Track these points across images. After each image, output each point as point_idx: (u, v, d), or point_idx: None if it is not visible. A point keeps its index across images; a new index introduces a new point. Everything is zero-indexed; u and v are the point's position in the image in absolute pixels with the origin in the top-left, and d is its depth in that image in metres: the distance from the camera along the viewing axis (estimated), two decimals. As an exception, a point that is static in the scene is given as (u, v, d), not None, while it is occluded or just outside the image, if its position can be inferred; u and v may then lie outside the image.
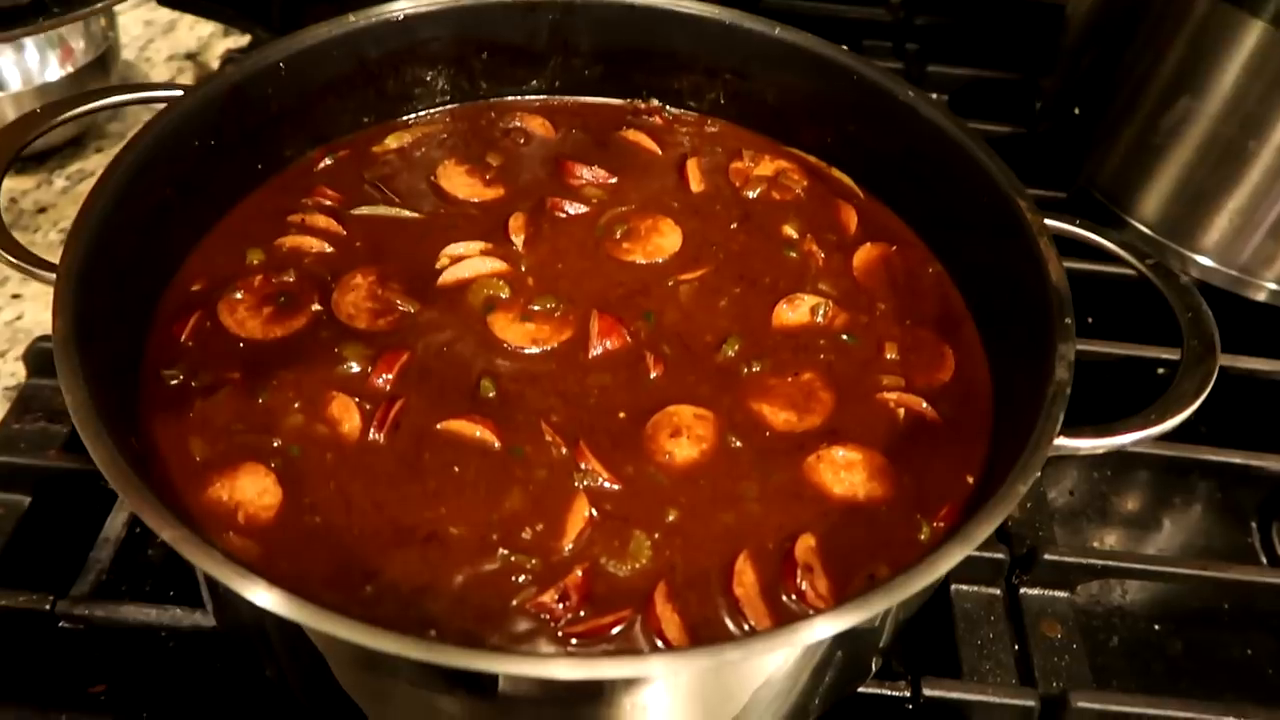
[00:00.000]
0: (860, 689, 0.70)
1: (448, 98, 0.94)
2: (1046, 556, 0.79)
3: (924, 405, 0.73)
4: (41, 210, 1.11)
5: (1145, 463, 0.94)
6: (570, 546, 0.64)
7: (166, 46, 1.32)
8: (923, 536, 0.66)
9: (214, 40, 1.33)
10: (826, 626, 0.52)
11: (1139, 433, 0.62)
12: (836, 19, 1.36)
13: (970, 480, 0.68)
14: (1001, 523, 0.82)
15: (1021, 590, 0.80)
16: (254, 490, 0.65)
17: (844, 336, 0.78)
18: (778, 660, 0.57)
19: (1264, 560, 0.91)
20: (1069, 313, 0.65)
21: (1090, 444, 0.61)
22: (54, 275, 0.65)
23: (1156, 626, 0.85)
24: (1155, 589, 0.87)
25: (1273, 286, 1.02)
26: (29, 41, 1.18)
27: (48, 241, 1.08)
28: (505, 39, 0.92)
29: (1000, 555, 0.79)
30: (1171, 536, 0.94)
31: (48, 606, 0.71)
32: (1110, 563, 0.80)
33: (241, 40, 1.29)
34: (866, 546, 0.65)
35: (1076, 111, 1.10)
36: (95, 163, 1.16)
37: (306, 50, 0.84)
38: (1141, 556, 0.86)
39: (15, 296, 1.01)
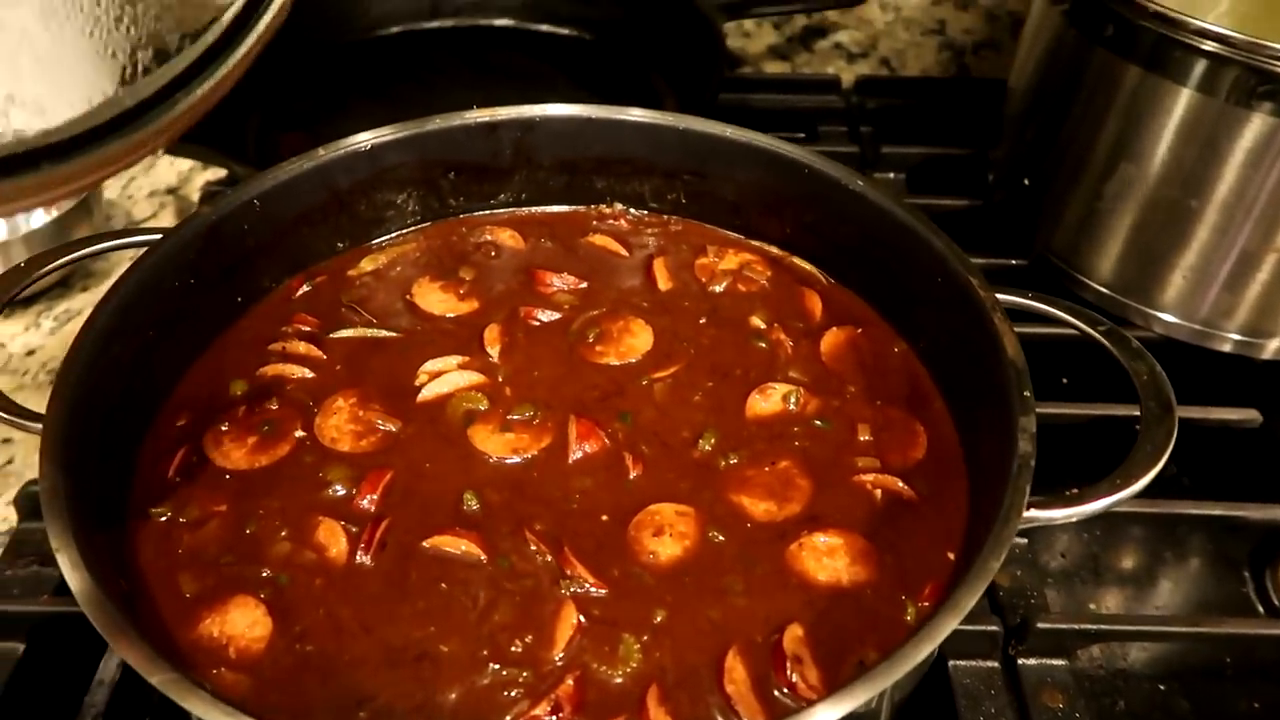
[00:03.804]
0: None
1: (419, 217, 0.98)
2: (1040, 625, 0.79)
3: (900, 484, 0.75)
4: (30, 353, 1.13)
5: (1133, 519, 0.95)
6: (561, 655, 0.64)
7: (148, 183, 1.36)
8: (908, 617, 0.66)
9: (194, 174, 1.38)
10: (824, 716, 0.52)
11: (1107, 499, 0.63)
12: (791, 110, 1.41)
13: (951, 556, 0.69)
14: (991, 594, 0.84)
15: (1019, 661, 0.80)
16: (244, 623, 0.65)
17: (817, 422, 0.80)
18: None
19: (1260, 610, 0.91)
20: (1027, 386, 0.67)
21: (1062, 514, 0.62)
22: (40, 425, 0.66)
23: (1161, 686, 0.85)
24: (1157, 648, 0.86)
25: (1236, 337, 1.04)
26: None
27: (37, 383, 1.10)
28: (470, 159, 0.96)
29: (994, 627, 0.79)
30: (1167, 592, 0.94)
31: (43, 757, 0.71)
32: (1105, 626, 0.80)
33: (221, 172, 1.33)
34: (854, 631, 0.66)
35: (1026, 182, 1.14)
36: (82, 302, 1.19)
37: (280, 185, 0.87)
38: (1135, 618, 0.86)
39: (6, 441, 1.03)
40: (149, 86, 0.50)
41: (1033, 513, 0.61)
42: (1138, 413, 0.96)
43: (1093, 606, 0.91)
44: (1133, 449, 0.66)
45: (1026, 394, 0.66)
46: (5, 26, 0.46)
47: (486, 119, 0.94)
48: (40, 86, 0.47)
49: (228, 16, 0.53)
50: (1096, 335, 0.73)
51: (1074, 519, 0.63)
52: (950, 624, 0.54)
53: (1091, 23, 1.00)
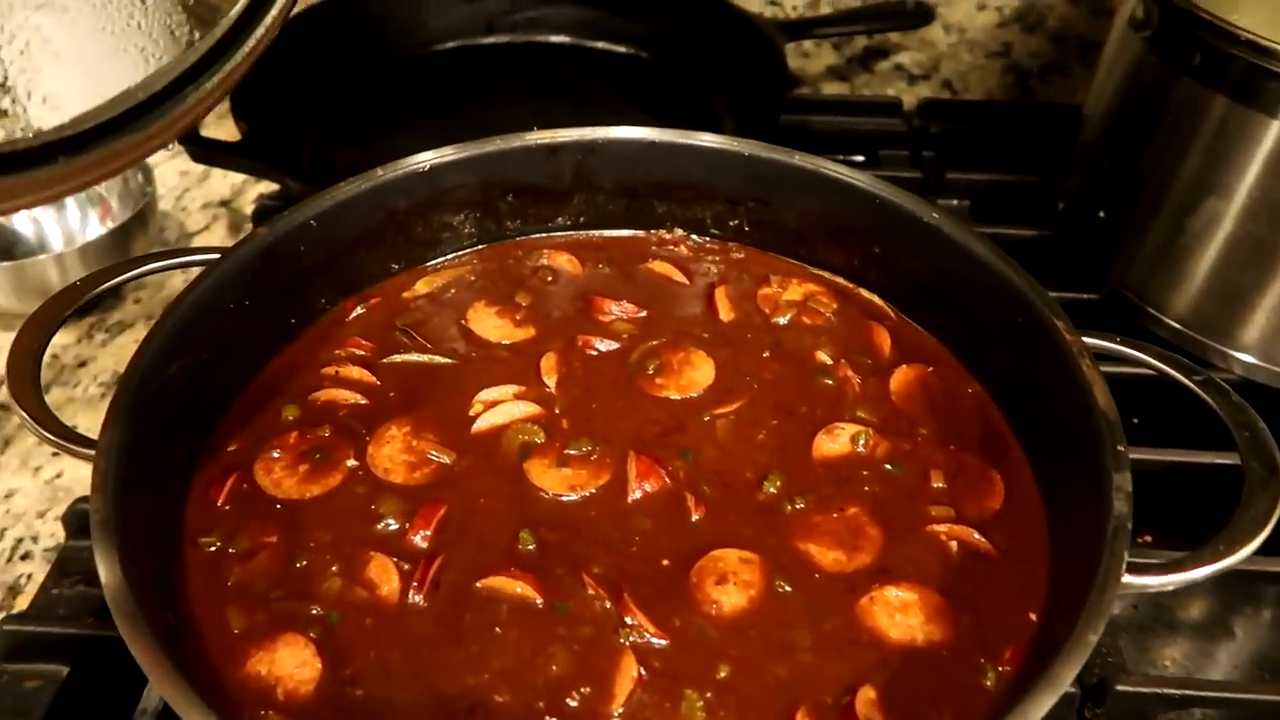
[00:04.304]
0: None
1: (475, 240, 0.96)
2: (1119, 688, 0.74)
3: (976, 536, 0.71)
4: (82, 364, 1.12)
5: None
6: (620, 711, 0.61)
7: (201, 195, 1.36)
8: (988, 683, 0.63)
9: (247, 187, 1.37)
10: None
11: (1209, 566, 0.59)
12: (851, 133, 1.38)
13: (1033, 617, 0.65)
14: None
15: (1096, 726, 0.76)
16: (293, 663, 0.63)
17: (887, 466, 0.76)
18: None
19: (1343, 670, 0.86)
20: (1121, 440, 0.63)
21: (1159, 581, 0.58)
22: (93, 452, 0.65)
23: (1241, 750, 0.80)
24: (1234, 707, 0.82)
25: (1323, 382, 0.99)
26: (70, 201, 1.23)
27: (87, 396, 1.09)
28: (529, 181, 0.94)
29: (1071, 689, 0.75)
30: (1243, 647, 0.89)
31: (85, 789, 0.70)
32: (1188, 692, 0.76)
33: (274, 185, 1.32)
34: (930, 696, 0.62)
35: (1101, 214, 1.10)
36: (134, 313, 1.18)
37: (337, 205, 0.85)
38: (1221, 684, 0.81)
39: (55, 455, 1.02)
40: (159, 81, 0.51)
41: (1129, 579, 0.57)
42: (1228, 461, 0.92)
43: (1167, 663, 0.87)
44: (1236, 513, 0.62)
45: (1121, 448, 0.62)
46: (22, 25, 0.46)
47: (547, 141, 0.91)
48: (55, 82, 0.48)
49: (235, 11, 0.52)
50: (1192, 385, 0.69)
51: (1170, 587, 0.59)
52: (1046, 703, 0.51)
53: (1177, 50, 0.96)
